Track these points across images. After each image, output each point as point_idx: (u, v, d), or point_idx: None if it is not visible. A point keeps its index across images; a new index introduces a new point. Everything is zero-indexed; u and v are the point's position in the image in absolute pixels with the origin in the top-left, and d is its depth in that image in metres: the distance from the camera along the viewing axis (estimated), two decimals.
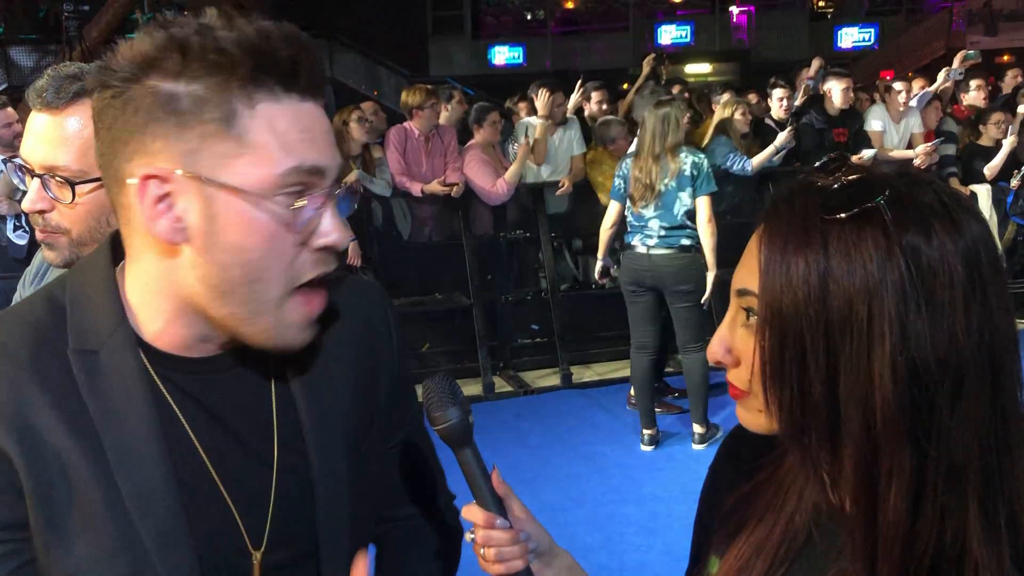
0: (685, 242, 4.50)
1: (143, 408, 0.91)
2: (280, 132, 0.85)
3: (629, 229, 4.68)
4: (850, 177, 0.76)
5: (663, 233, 4.51)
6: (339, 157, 0.92)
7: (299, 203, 0.86)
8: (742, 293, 0.82)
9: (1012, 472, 0.74)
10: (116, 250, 0.98)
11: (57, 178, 1.28)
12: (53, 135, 1.29)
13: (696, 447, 4.75)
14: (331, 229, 0.89)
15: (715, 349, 0.85)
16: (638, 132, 4.77)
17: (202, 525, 0.93)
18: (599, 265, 4.99)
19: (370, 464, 1.07)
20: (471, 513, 1.01)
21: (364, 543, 0.96)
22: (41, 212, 1.31)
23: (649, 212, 4.53)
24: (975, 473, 0.73)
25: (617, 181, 4.72)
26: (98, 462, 0.89)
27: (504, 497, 1.03)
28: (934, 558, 0.74)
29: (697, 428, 4.77)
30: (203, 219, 0.85)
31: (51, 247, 1.34)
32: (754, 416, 0.84)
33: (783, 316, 0.76)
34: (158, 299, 0.92)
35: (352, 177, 5.15)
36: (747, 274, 0.80)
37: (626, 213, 4.68)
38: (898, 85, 6.78)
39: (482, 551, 1.01)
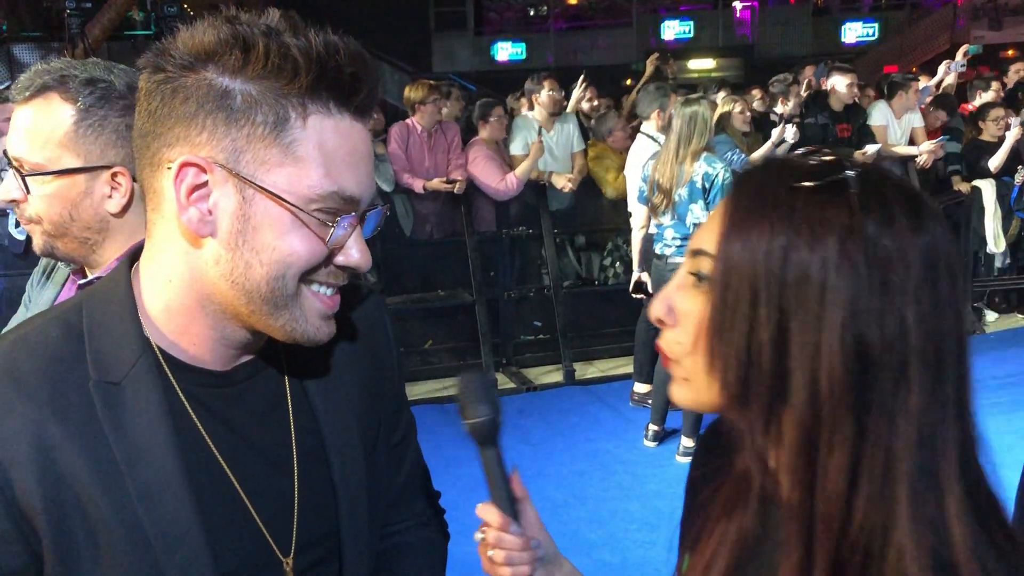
0: None
1: (168, 444, 0.89)
2: (327, 151, 0.85)
3: (654, 237, 4.58)
4: (826, 158, 0.78)
5: (679, 243, 4.37)
6: (375, 183, 0.92)
7: (331, 223, 0.86)
8: (698, 253, 0.82)
9: (945, 475, 0.74)
10: (134, 261, 0.97)
11: (23, 169, 1.31)
12: (17, 127, 1.31)
13: (680, 459, 4.54)
14: (355, 252, 0.90)
15: (657, 307, 0.85)
16: (666, 133, 4.63)
17: (231, 547, 0.93)
18: (634, 277, 4.86)
19: (380, 465, 1.08)
20: (487, 512, 1.00)
21: (377, 540, 0.96)
22: (14, 202, 1.34)
23: (666, 221, 4.40)
24: (908, 461, 0.73)
25: (641, 185, 4.62)
26: (121, 501, 0.87)
27: (520, 500, 1.02)
28: (866, 548, 0.74)
29: (685, 441, 4.57)
30: (236, 217, 0.85)
31: (33, 235, 1.37)
32: (683, 389, 0.84)
33: (740, 274, 0.76)
34: (181, 295, 0.91)
35: None
36: (707, 235, 0.81)
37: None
38: (915, 83, 6.75)
39: (490, 553, 1.00)
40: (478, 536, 1.01)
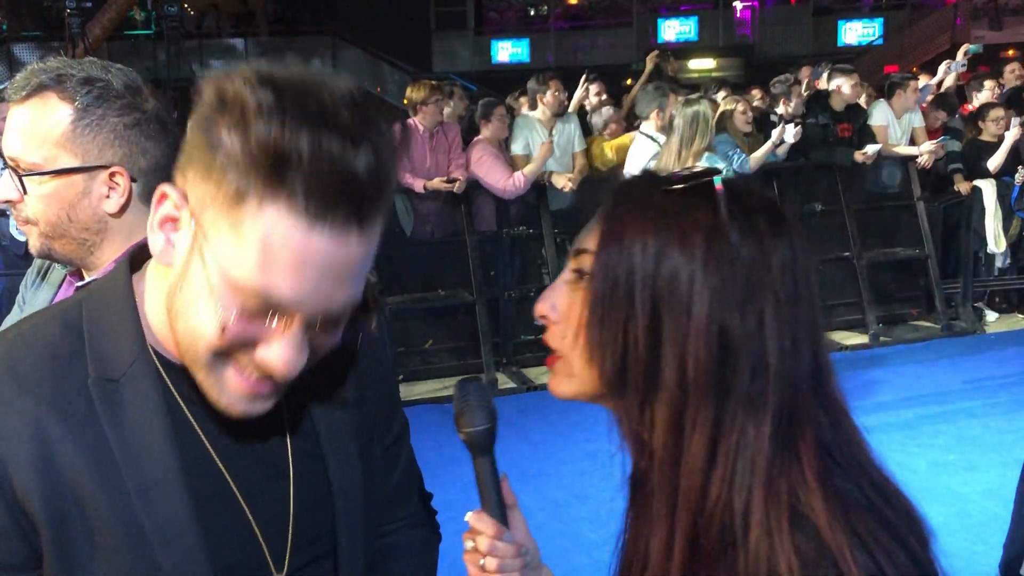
0: None
1: (165, 441, 0.89)
2: (272, 248, 0.78)
3: None
4: (695, 169, 0.86)
5: None
6: (340, 296, 0.83)
7: (238, 318, 0.81)
8: (579, 252, 0.88)
9: (803, 453, 0.80)
10: (136, 264, 0.98)
11: (19, 169, 1.30)
12: (14, 126, 1.30)
13: None
14: (274, 355, 0.83)
15: (542, 304, 0.91)
16: (667, 133, 4.63)
17: (225, 548, 0.93)
18: None
19: (375, 466, 1.09)
20: (480, 521, 1.00)
21: (372, 539, 0.96)
22: (10, 203, 1.33)
23: None
24: (765, 445, 0.79)
25: None
26: (118, 496, 0.88)
27: (510, 507, 1.03)
28: (727, 522, 0.80)
29: None
30: (183, 261, 0.84)
31: (30, 237, 1.36)
32: (564, 381, 0.90)
33: (616, 270, 0.83)
34: (164, 308, 0.91)
35: None
36: (588, 235, 0.88)
37: None
38: (913, 82, 6.76)
39: (483, 561, 1.00)
40: (468, 544, 1.01)
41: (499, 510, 1.00)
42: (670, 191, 0.84)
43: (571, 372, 0.89)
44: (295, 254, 0.78)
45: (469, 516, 1.01)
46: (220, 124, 0.78)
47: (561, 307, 0.90)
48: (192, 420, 0.93)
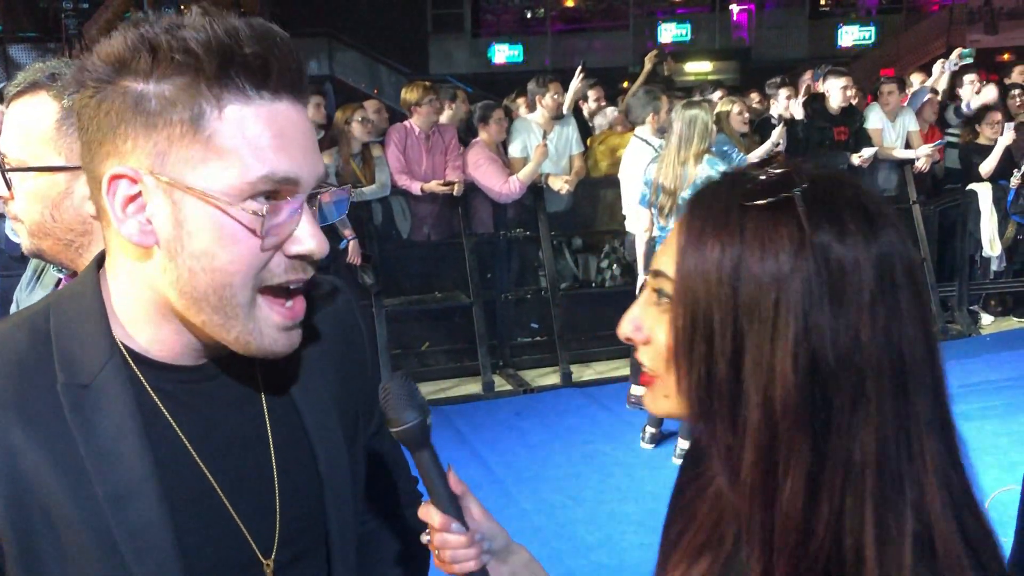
0: None
1: (138, 446, 0.88)
2: (251, 137, 0.82)
3: (657, 240, 4.58)
4: (777, 171, 0.78)
5: None
6: (319, 163, 0.89)
7: (270, 210, 0.84)
8: (657, 274, 0.83)
9: (919, 480, 0.74)
10: (102, 262, 0.96)
11: (6, 164, 1.30)
12: (7, 122, 1.31)
13: (676, 461, 4.55)
14: (306, 237, 0.87)
15: (625, 326, 0.86)
16: (666, 135, 4.66)
17: (206, 548, 0.92)
18: (640, 280, 4.84)
19: (360, 456, 1.10)
20: (427, 515, 1.01)
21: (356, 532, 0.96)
22: (2, 199, 1.33)
23: (671, 224, 4.38)
24: (872, 476, 0.73)
25: (643, 189, 4.62)
26: (88, 505, 0.86)
27: (461, 496, 1.03)
28: (833, 561, 0.74)
29: (681, 443, 4.54)
30: (171, 223, 0.84)
31: (20, 235, 1.35)
32: (661, 402, 0.85)
33: (695, 296, 0.77)
34: (141, 305, 0.90)
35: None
36: (665, 256, 0.82)
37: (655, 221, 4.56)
38: (887, 86, 6.79)
39: (437, 552, 1.02)
40: (424, 539, 1.03)
41: (448, 501, 1.01)
42: (748, 206, 0.76)
43: (667, 392, 0.84)
44: (274, 131, 0.84)
45: (419, 510, 1.02)
46: (132, 82, 0.82)
47: (646, 328, 0.85)
48: (169, 417, 0.92)
